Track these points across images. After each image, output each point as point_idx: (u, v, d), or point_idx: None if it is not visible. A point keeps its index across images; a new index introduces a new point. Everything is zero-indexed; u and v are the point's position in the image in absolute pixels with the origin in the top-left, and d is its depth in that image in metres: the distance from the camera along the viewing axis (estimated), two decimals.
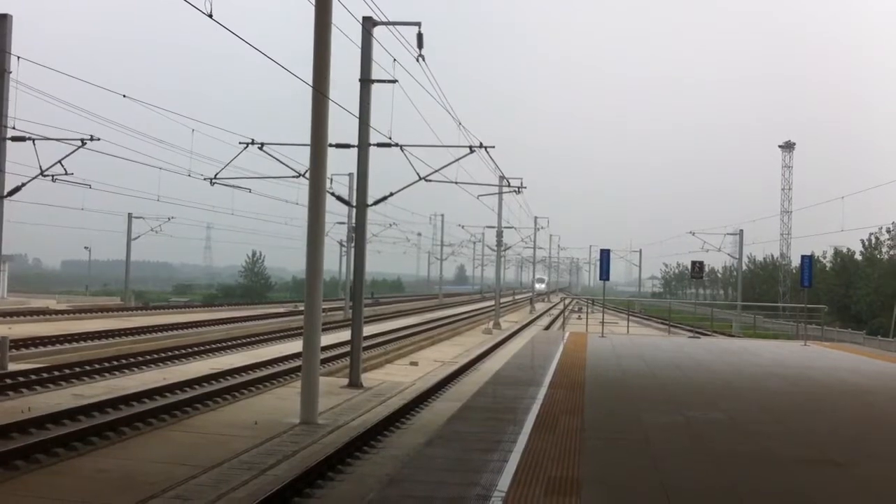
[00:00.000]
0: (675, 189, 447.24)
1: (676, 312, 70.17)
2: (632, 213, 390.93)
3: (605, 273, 31.71)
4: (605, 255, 31.88)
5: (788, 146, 78.61)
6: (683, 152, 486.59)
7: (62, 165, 23.67)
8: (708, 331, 46.06)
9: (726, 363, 22.60)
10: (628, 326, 38.16)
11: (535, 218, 78.53)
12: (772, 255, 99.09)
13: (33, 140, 22.94)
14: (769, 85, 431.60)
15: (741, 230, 59.69)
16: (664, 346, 27.87)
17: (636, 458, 10.41)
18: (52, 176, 23.97)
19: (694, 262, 48.04)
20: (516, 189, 42.77)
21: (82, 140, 23.27)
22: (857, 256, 77.82)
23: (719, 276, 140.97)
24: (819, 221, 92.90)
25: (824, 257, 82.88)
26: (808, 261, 32.19)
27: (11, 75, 22.02)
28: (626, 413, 13.80)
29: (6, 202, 22.79)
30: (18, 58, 21.76)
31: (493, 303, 58.52)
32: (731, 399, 15.89)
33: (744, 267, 72.51)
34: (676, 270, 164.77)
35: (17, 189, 23.06)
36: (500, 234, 55.19)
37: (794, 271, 74.25)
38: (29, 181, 23.52)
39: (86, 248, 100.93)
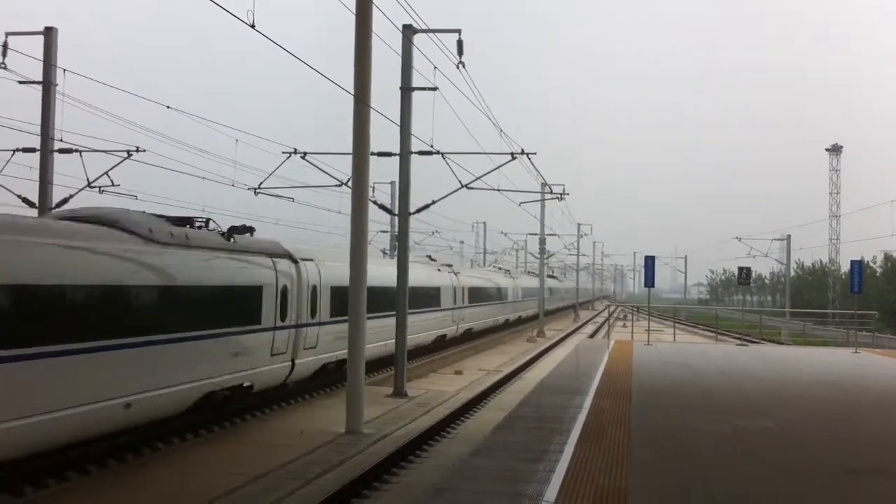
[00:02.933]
0: (720, 193, 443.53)
1: (723, 320, 69.39)
2: (676, 218, 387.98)
3: (650, 280, 31.43)
4: (649, 261, 31.59)
5: (836, 149, 77.34)
6: (731, 154, 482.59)
7: (109, 177, 23.90)
8: (756, 338, 45.47)
9: (775, 371, 22.28)
10: (674, 334, 37.79)
11: (579, 225, 78.01)
12: (820, 261, 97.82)
13: (80, 152, 23.23)
14: (818, 86, 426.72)
15: (789, 235, 58.62)
16: (711, 353, 27.54)
17: (684, 468, 10.30)
18: (100, 187, 24.19)
19: (741, 269, 47.16)
20: (559, 196, 42.52)
21: (128, 151, 23.50)
22: None
23: (766, 282, 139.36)
24: (868, 225, 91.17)
25: (874, 262, 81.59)
26: (858, 266, 31.58)
27: (58, 88, 22.34)
28: (672, 422, 13.65)
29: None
30: (64, 70, 22.08)
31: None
32: (780, 408, 15.65)
33: (792, 273, 71.42)
34: (723, 277, 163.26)
35: (65, 201, 23.36)
36: (542, 242, 54.81)
37: (843, 277, 73.01)
38: (76, 192, 23.79)
39: None
